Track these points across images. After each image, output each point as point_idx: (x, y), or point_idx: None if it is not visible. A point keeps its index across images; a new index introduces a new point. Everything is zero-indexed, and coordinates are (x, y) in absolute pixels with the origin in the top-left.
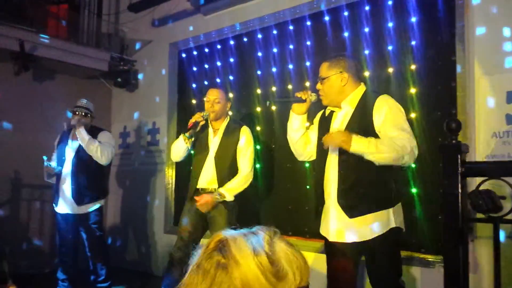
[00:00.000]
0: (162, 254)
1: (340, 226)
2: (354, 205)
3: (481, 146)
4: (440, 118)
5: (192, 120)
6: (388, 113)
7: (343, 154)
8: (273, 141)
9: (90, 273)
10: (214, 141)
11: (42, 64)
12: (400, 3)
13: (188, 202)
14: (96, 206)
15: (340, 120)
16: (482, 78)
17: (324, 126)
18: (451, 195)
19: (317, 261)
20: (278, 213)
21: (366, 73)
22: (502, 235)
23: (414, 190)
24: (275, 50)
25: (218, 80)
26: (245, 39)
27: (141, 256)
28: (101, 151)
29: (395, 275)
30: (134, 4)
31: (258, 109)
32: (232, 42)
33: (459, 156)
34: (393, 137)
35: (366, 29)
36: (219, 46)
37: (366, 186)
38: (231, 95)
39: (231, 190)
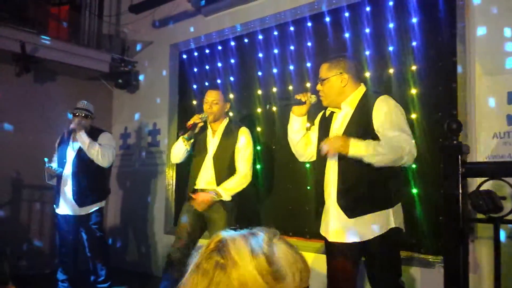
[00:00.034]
0: (162, 254)
1: (340, 226)
2: (353, 205)
3: (482, 147)
4: (440, 119)
5: (190, 122)
6: (387, 114)
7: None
8: (273, 142)
9: (90, 274)
10: (212, 142)
11: (43, 65)
12: (401, 3)
13: (187, 203)
14: (97, 207)
15: (340, 121)
16: (483, 78)
17: (325, 127)
18: (451, 196)
19: (317, 261)
20: (279, 214)
21: (367, 74)
22: (502, 236)
23: (414, 191)
24: (276, 51)
25: (218, 81)
26: (245, 40)
27: (141, 256)
28: (102, 154)
29: (394, 275)
30: (135, 5)
31: (259, 110)
32: (232, 43)
33: (459, 157)
34: (391, 138)
35: (367, 30)
36: (219, 47)
37: (365, 186)
38: (231, 96)
39: (228, 189)
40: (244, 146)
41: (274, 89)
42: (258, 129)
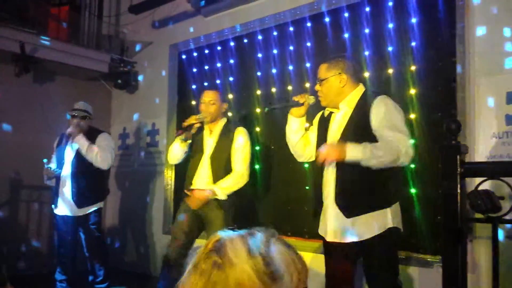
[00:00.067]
0: (161, 255)
1: (338, 226)
2: (351, 205)
3: (481, 147)
4: (440, 119)
5: (185, 124)
6: (384, 114)
7: None
8: (272, 142)
9: (88, 274)
10: (209, 142)
11: (42, 65)
12: (401, 4)
13: (184, 203)
14: (95, 207)
15: (339, 121)
16: (482, 78)
17: (323, 127)
18: (450, 195)
19: (316, 261)
20: (277, 214)
21: (367, 74)
22: (500, 235)
23: (413, 190)
24: (275, 51)
25: (218, 81)
26: (245, 41)
27: (140, 257)
28: (101, 157)
29: (392, 275)
30: (135, 5)
31: (258, 110)
32: (232, 44)
33: (458, 157)
34: (387, 138)
35: (367, 30)
36: (219, 48)
37: (363, 186)
38: (231, 96)
39: (224, 188)
40: (241, 146)
41: (274, 89)
42: (257, 129)
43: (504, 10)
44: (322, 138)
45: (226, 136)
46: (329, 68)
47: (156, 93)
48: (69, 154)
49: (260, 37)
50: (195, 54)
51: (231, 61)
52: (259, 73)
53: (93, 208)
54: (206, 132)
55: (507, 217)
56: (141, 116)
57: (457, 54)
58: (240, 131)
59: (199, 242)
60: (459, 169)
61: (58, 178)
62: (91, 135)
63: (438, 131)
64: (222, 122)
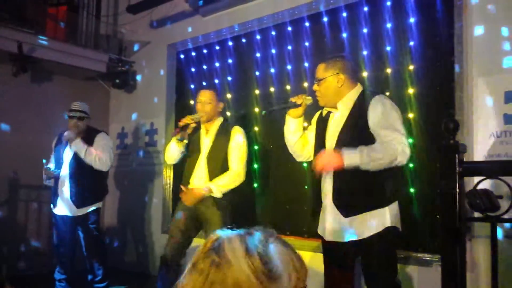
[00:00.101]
0: (160, 254)
1: (336, 225)
2: (349, 204)
3: (479, 146)
4: (438, 118)
5: (181, 123)
6: (381, 113)
7: None
8: (271, 142)
9: (87, 273)
10: (206, 142)
11: (40, 65)
12: (399, 3)
13: (181, 202)
14: (94, 207)
15: (337, 120)
16: (480, 78)
17: (322, 126)
18: (448, 195)
19: (315, 261)
20: (276, 213)
21: (365, 74)
22: (499, 234)
23: (411, 190)
24: (273, 51)
25: (216, 81)
26: (243, 40)
27: (139, 256)
28: (100, 160)
29: (390, 274)
30: (133, 5)
31: (257, 110)
32: (230, 43)
33: (456, 156)
34: (384, 138)
35: (365, 30)
36: (217, 47)
37: (361, 185)
38: (229, 96)
39: (219, 186)
40: (237, 145)
41: (272, 89)
42: (256, 128)
43: (502, 10)
44: (320, 137)
45: (222, 136)
46: (327, 68)
47: (155, 92)
48: (67, 155)
49: (258, 37)
50: (193, 53)
51: (230, 60)
52: (257, 73)
53: (92, 208)
54: (202, 131)
55: (505, 216)
56: (139, 116)
57: (455, 53)
58: (237, 130)
59: (199, 242)
60: (457, 169)
61: (57, 178)
62: (89, 135)
63: (436, 130)
64: (219, 121)
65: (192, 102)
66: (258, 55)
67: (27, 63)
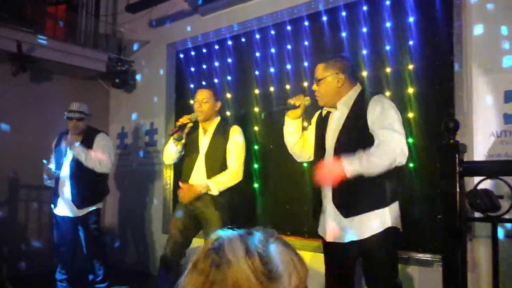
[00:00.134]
0: (160, 254)
1: (337, 226)
2: (349, 205)
3: (479, 146)
4: (438, 118)
5: (178, 123)
6: (380, 113)
7: (339, 154)
8: (271, 141)
9: (88, 273)
10: (204, 141)
11: (39, 65)
12: (398, 3)
13: (180, 202)
14: (95, 207)
15: (336, 120)
16: (480, 77)
17: (321, 126)
18: (449, 195)
19: (316, 261)
20: (277, 213)
21: (364, 73)
22: (500, 234)
23: (412, 190)
24: (273, 50)
25: (216, 80)
26: (243, 40)
27: (139, 256)
28: (100, 163)
29: (391, 275)
30: (132, 4)
31: (256, 109)
32: (230, 43)
33: (457, 156)
34: (382, 138)
35: (364, 29)
36: (217, 47)
37: (361, 186)
38: (229, 95)
39: (217, 183)
40: (235, 144)
41: (271, 89)
42: (256, 128)
43: (501, 9)
44: (320, 137)
45: (220, 135)
46: (326, 67)
47: (154, 92)
48: (68, 155)
49: (257, 36)
50: (192, 53)
51: (229, 60)
52: (257, 72)
53: (92, 208)
54: (200, 131)
55: (506, 216)
56: (139, 116)
57: (454, 53)
58: (235, 129)
59: (199, 242)
60: (457, 168)
61: (57, 178)
62: (89, 135)
63: (436, 130)
64: (217, 120)
65: (191, 101)
66: (257, 54)
67: (26, 63)
